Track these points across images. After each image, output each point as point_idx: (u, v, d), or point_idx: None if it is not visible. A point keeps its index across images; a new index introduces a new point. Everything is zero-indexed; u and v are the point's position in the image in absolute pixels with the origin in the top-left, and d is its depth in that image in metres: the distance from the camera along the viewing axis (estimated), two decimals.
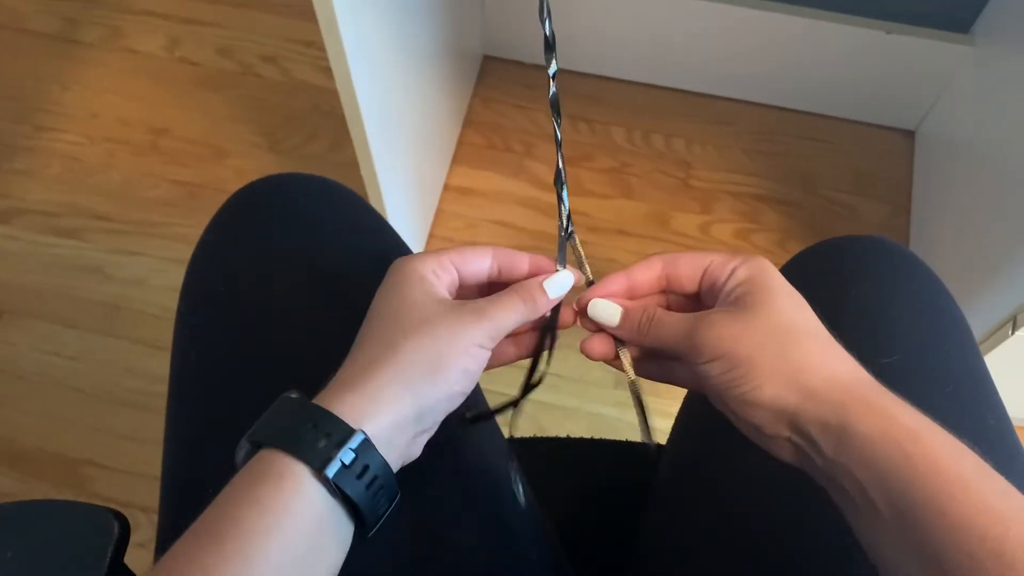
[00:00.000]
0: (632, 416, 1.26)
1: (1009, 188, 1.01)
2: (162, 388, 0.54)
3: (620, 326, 0.44)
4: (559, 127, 0.45)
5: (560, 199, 0.47)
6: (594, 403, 1.18)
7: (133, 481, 1.13)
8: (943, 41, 1.22)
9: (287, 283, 0.52)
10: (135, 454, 1.15)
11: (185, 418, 0.51)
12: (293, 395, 0.40)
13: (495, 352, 0.45)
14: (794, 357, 0.39)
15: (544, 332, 0.46)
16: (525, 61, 1.43)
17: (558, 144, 0.46)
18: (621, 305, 0.44)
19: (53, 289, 1.27)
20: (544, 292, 0.44)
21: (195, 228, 1.25)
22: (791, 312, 0.40)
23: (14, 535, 0.40)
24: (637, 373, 0.47)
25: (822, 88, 1.36)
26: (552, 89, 0.44)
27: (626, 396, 1.18)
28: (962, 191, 1.16)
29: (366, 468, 0.38)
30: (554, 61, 0.43)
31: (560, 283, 0.45)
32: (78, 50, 1.48)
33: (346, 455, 0.37)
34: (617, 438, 0.74)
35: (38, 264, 1.29)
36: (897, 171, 1.36)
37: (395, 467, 0.40)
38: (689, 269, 0.44)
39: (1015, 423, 0.53)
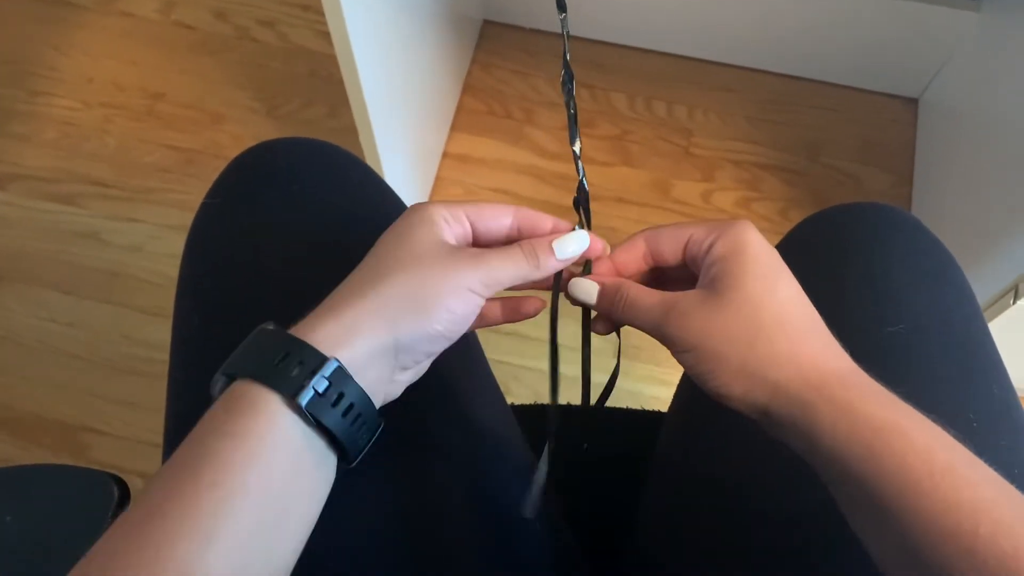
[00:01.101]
0: (631, 384, 1.26)
1: (1012, 157, 1.00)
2: (160, 355, 0.53)
3: (598, 304, 0.44)
4: (572, 90, 0.44)
5: (577, 163, 0.46)
6: (594, 372, 1.18)
7: (131, 447, 1.13)
8: (950, 7, 1.21)
9: (291, 247, 0.52)
10: (133, 421, 1.15)
11: (188, 383, 0.51)
12: (269, 327, 0.39)
13: (482, 311, 0.43)
14: (762, 352, 0.38)
15: (554, 302, 0.45)
16: (525, 26, 1.41)
17: (569, 98, 0.45)
18: (598, 283, 0.44)
19: (50, 255, 1.27)
20: (552, 252, 0.42)
21: (192, 194, 1.24)
22: (761, 298, 0.39)
23: (13, 499, 0.40)
24: None
25: (826, 55, 1.34)
26: (565, 51, 0.43)
27: (625, 365, 1.18)
28: (965, 160, 1.15)
29: (341, 396, 0.37)
30: (566, 20, 0.42)
31: (572, 245, 0.43)
32: (73, 13, 1.46)
33: (319, 383, 0.36)
34: (617, 406, 0.74)
35: (34, 230, 1.28)
36: (900, 139, 1.35)
37: (376, 402, 0.39)
38: (669, 245, 0.43)
39: (1018, 392, 0.53)
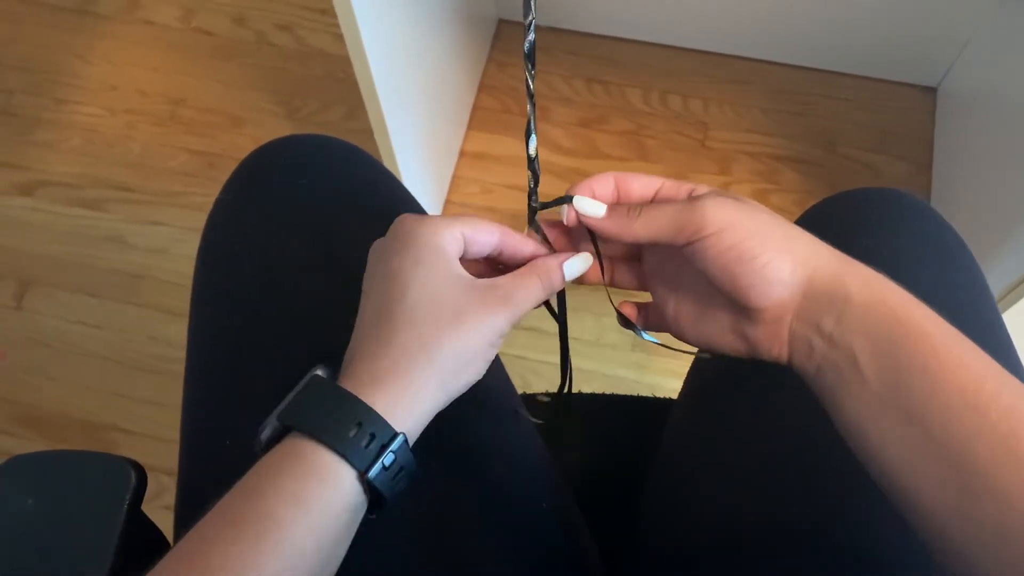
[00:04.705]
0: (651, 378, 1.26)
1: None
2: (184, 354, 0.55)
3: (608, 216, 0.43)
4: (532, 78, 0.44)
5: (529, 155, 0.45)
6: (611, 365, 1.18)
7: (158, 446, 1.15)
8: None
9: (302, 243, 0.53)
10: (159, 419, 1.17)
11: (202, 375, 0.52)
12: (322, 373, 0.40)
13: None
14: (795, 232, 0.40)
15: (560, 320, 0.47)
16: (541, 24, 1.42)
17: (530, 94, 0.44)
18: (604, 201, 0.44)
19: (76, 259, 1.29)
20: (562, 274, 0.44)
21: (214, 198, 1.26)
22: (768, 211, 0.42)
23: (35, 483, 0.41)
24: (615, 283, 0.48)
25: (841, 45, 1.33)
26: (530, 38, 0.43)
27: (644, 358, 1.19)
28: (984, 148, 1.15)
29: (401, 468, 0.39)
30: (533, 7, 0.42)
31: (579, 265, 0.45)
32: (95, 22, 1.49)
33: (387, 458, 0.38)
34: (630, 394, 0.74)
35: (61, 235, 1.31)
36: (918, 128, 1.34)
37: None
38: (640, 188, 0.44)
39: None
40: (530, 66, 0.43)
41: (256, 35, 1.46)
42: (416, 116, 1.10)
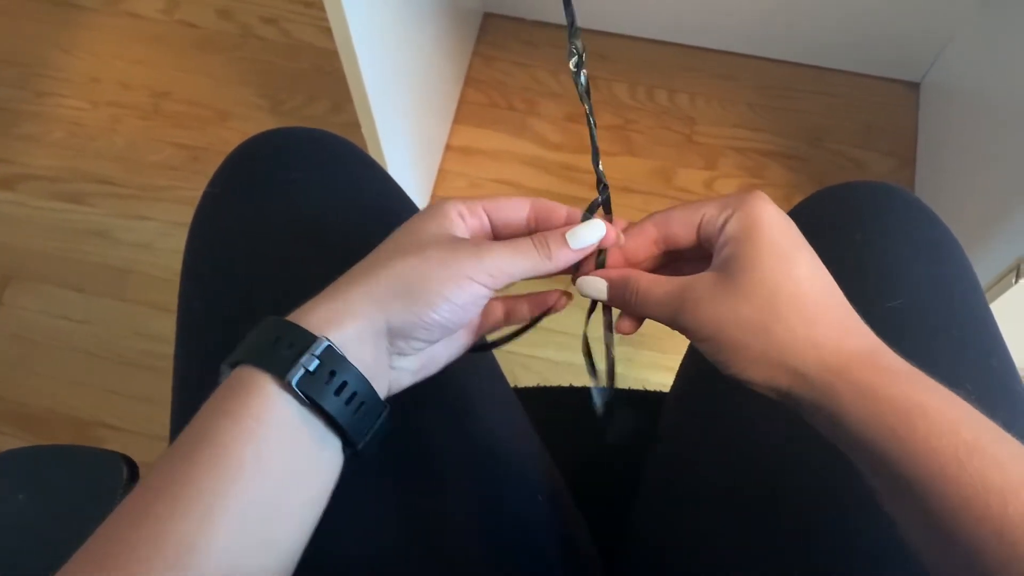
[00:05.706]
0: (638, 371, 1.26)
1: (1013, 138, 1.01)
2: (172, 350, 0.54)
3: (610, 299, 0.43)
4: (586, 82, 0.44)
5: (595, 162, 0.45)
6: (600, 359, 1.18)
7: (146, 442, 1.14)
8: None
9: (290, 235, 0.53)
10: (147, 415, 1.16)
11: (190, 366, 0.52)
12: (271, 317, 0.39)
13: (508, 308, 0.44)
14: (779, 339, 0.37)
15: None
16: (526, 17, 1.42)
17: (583, 96, 0.45)
18: (605, 277, 0.43)
19: (60, 254, 1.28)
20: (565, 244, 0.41)
21: (199, 191, 1.25)
22: (776, 279, 0.38)
23: (27, 478, 0.41)
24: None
25: (826, 41, 1.34)
26: (577, 51, 0.43)
27: (632, 352, 1.19)
28: (967, 142, 1.15)
29: (333, 374, 0.37)
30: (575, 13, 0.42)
31: (586, 233, 0.41)
32: (78, 14, 1.47)
33: (309, 362, 0.36)
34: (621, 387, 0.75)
35: (44, 229, 1.30)
36: (902, 123, 1.35)
37: (380, 389, 0.39)
38: (682, 228, 0.42)
39: (1020, 371, 0.53)
40: (588, 105, 0.44)
41: (241, 28, 1.45)
42: (402, 110, 1.10)
